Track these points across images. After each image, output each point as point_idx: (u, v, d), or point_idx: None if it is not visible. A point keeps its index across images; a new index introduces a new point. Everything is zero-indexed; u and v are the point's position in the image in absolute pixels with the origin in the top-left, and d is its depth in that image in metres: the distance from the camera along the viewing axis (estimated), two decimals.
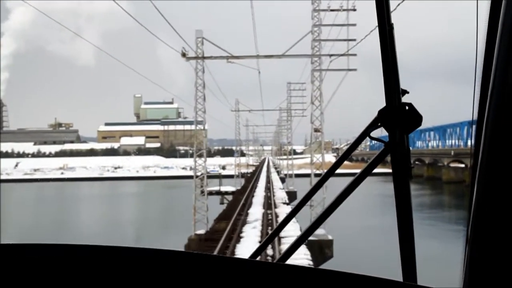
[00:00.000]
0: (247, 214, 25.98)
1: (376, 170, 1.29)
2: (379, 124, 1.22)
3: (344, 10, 24.90)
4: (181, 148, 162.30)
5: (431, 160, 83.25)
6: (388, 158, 1.25)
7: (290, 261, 1.27)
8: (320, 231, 21.16)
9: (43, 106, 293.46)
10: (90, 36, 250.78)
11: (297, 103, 53.80)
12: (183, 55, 23.83)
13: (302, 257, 14.49)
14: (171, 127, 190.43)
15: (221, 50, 24.91)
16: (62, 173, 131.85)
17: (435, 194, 63.10)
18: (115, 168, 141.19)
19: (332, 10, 25.69)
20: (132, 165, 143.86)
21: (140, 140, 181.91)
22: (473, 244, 0.89)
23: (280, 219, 16.66)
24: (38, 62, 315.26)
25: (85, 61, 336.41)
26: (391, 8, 1.20)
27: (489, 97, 0.90)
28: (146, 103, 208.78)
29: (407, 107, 1.19)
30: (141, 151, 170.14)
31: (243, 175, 68.91)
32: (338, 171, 1.42)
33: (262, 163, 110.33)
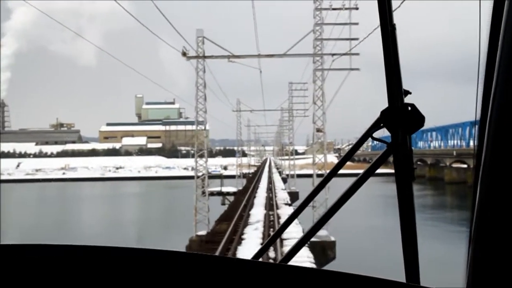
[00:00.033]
0: (248, 215, 25.83)
1: (378, 171, 1.29)
2: (382, 124, 1.22)
3: (346, 8, 24.89)
4: (182, 148, 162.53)
5: (433, 160, 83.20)
6: (391, 159, 1.24)
7: (292, 263, 1.27)
8: (322, 232, 21.11)
9: (45, 106, 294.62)
10: (92, 36, 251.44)
11: (299, 103, 53.86)
12: (184, 54, 23.70)
13: (305, 260, 14.22)
14: (173, 127, 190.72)
15: (222, 50, 24.89)
16: (63, 173, 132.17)
17: (437, 195, 63.02)
18: (117, 168, 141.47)
19: (334, 9, 25.62)
20: (134, 165, 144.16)
21: (141, 140, 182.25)
22: (477, 244, 0.88)
23: (282, 220, 16.56)
24: (40, 62, 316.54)
25: (87, 61, 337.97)
26: (393, 8, 1.19)
27: (492, 97, 0.89)
28: (147, 103, 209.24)
29: (409, 108, 1.18)
30: (143, 151, 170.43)
31: (244, 176, 68.86)
32: (340, 171, 1.42)
33: (263, 163, 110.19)
